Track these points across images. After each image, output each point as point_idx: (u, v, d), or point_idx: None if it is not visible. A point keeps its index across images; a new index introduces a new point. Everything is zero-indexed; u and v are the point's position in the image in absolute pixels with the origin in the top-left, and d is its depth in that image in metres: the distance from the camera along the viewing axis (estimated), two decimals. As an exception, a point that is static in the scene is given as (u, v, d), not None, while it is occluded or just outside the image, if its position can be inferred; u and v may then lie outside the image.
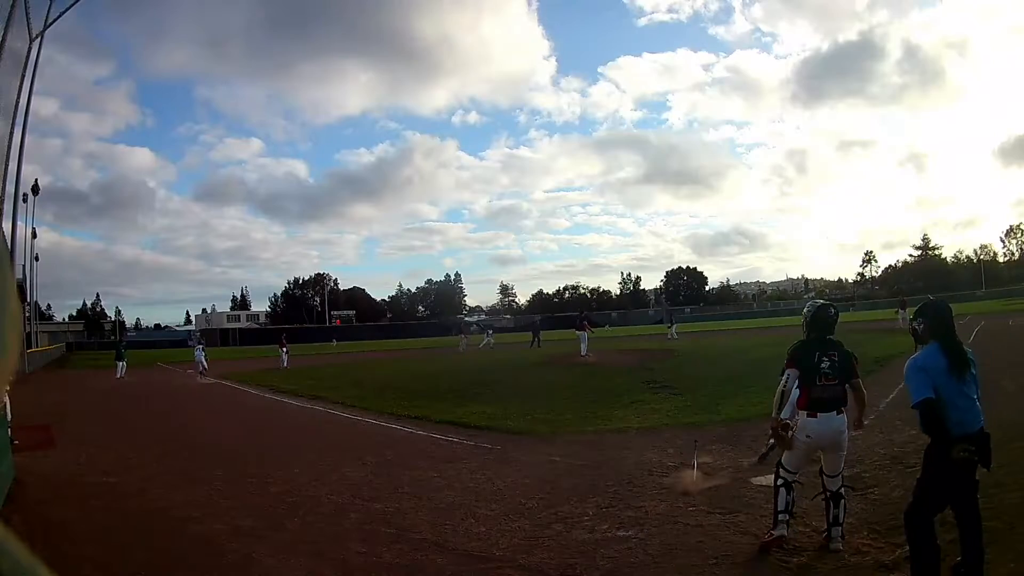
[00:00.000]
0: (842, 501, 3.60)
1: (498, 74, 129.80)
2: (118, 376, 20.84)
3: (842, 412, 3.61)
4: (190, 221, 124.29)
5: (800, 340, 3.84)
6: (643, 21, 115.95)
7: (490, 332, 35.59)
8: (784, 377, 3.68)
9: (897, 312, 24.57)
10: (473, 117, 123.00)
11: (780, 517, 3.66)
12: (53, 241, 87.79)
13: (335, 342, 51.01)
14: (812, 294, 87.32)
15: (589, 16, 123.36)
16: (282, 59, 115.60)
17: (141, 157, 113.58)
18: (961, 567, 3.03)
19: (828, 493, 3.61)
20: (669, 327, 32.31)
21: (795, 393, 3.68)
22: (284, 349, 23.21)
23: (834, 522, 3.58)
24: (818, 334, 3.76)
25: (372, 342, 52.95)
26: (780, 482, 3.70)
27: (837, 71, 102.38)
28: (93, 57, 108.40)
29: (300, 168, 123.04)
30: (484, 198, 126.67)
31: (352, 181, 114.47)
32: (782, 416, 3.68)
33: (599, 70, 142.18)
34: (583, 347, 19.23)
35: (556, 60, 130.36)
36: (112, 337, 71.55)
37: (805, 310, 3.96)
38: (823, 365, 3.59)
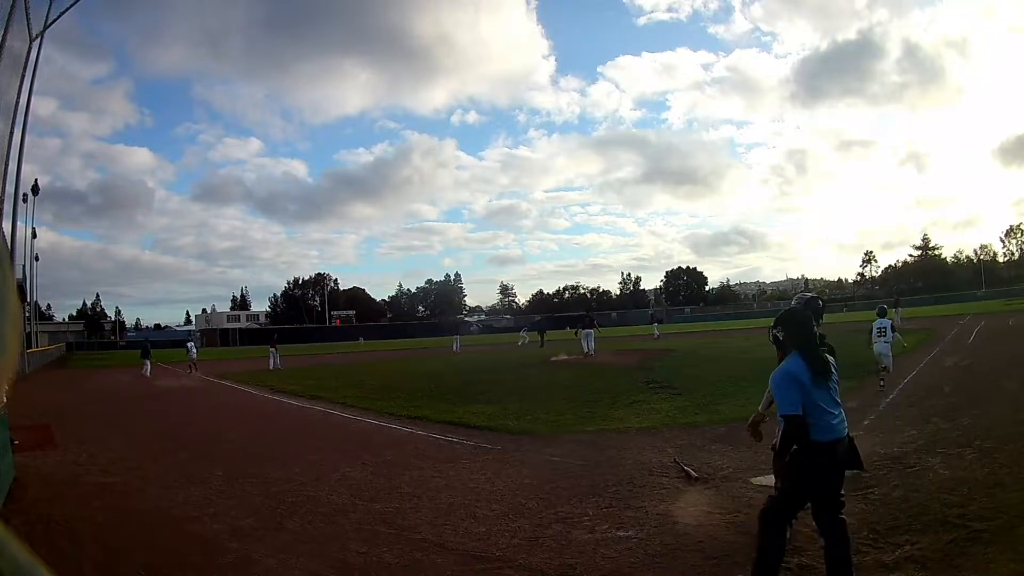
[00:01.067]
0: None
1: (497, 73, 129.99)
2: (144, 373, 21.50)
3: None
4: (189, 221, 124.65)
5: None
6: (642, 20, 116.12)
7: (525, 330, 36.29)
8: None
9: (893, 311, 24.86)
10: (472, 117, 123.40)
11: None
12: (52, 241, 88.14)
13: (362, 340, 51.48)
14: (812, 294, 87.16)
15: (588, 15, 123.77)
16: (280, 58, 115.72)
17: (140, 157, 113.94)
18: None
19: None
20: (654, 326, 33.51)
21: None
22: (274, 350, 23.10)
23: None
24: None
25: (372, 342, 53.07)
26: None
27: (837, 70, 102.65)
28: (91, 56, 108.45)
29: (299, 168, 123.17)
30: (483, 198, 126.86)
31: (351, 181, 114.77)
32: (760, 409, 3.83)
33: (598, 69, 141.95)
34: (591, 345, 19.22)
35: (555, 59, 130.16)
36: (112, 337, 71.69)
37: (794, 303, 4.08)
38: None
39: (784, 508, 3.07)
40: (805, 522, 3.94)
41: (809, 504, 3.05)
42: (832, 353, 3.79)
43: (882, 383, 9.43)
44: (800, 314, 3.30)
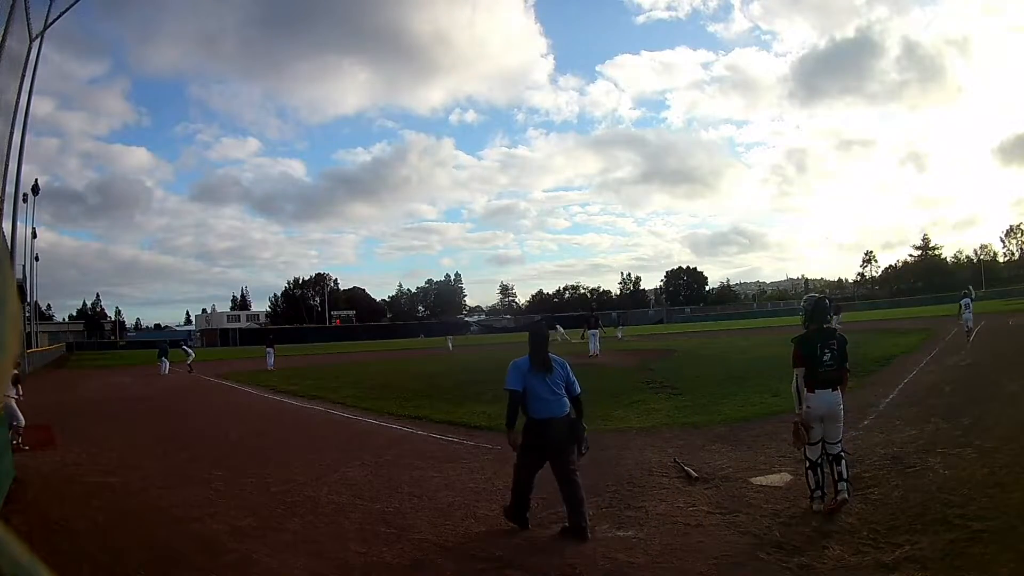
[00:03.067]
0: (843, 460, 4.19)
1: (495, 72, 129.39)
2: (163, 373, 21.97)
3: (837, 389, 4.27)
4: (188, 221, 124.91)
5: (802, 334, 4.42)
6: (641, 19, 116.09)
7: (620, 326, 33.62)
8: (795, 376, 4.36)
9: (831, 317, 25.73)
10: (471, 116, 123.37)
11: (815, 495, 4.21)
12: (51, 241, 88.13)
13: (423, 336, 52.49)
14: (818, 295, 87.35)
15: (587, 13, 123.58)
16: (277, 57, 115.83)
17: (138, 156, 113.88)
18: (568, 528, 4.00)
19: (831, 456, 4.21)
20: (616, 329, 33.11)
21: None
22: (271, 349, 23.00)
23: (839, 478, 4.14)
24: (817, 324, 4.43)
25: (372, 342, 53.08)
26: (807, 464, 4.29)
27: (836, 68, 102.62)
28: (87, 55, 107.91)
29: (297, 168, 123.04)
30: (482, 197, 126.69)
31: (350, 181, 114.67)
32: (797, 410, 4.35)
33: (597, 68, 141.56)
34: (595, 346, 19.29)
35: (554, 58, 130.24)
36: (112, 337, 71.71)
37: (803, 303, 4.63)
38: (825, 358, 4.23)
39: (521, 463, 4.16)
40: (805, 521, 3.96)
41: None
42: (844, 343, 4.36)
43: (969, 340, 15.06)
44: (535, 328, 4.44)
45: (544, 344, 4.28)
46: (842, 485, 4.10)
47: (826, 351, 4.21)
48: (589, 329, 19.79)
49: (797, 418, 4.30)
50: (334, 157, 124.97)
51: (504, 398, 4.26)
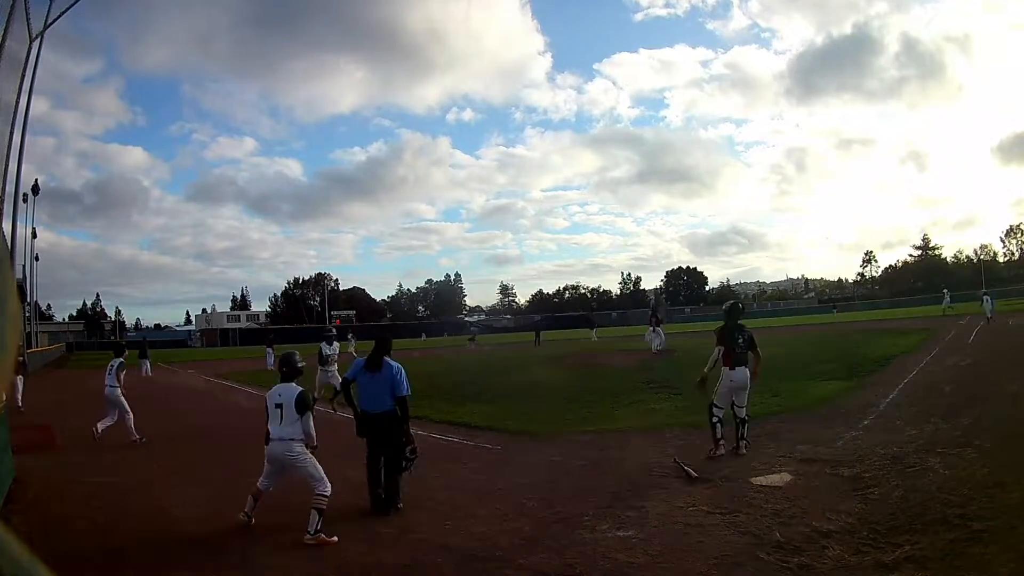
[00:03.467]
0: (746, 424, 5.92)
1: (492, 70, 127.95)
2: (144, 375, 20.97)
3: (746, 367, 5.95)
4: (185, 221, 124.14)
5: (723, 325, 6.17)
6: (639, 16, 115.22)
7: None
8: (716, 351, 6.01)
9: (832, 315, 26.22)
10: (468, 114, 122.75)
11: (720, 443, 5.82)
12: (50, 241, 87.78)
13: (424, 336, 53.45)
14: (812, 294, 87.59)
15: (584, 11, 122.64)
16: (272, 56, 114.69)
17: (134, 156, 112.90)
18: (382, 493, 4.78)
19: (738, 420, 5.90)
20: (591, 331, 33.12)
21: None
22: (271, 349, 22.98)
23: (741, 436, 5.88)
24: (733, 321, 6.17)
25: (372, 342, 53.10)
26: (715, 419, 5.88)
27: (835, 66, 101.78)
28: (81, 54, 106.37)
29: (294, 167, 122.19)
30: (480, 197, 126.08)
31: (347, 180, 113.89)
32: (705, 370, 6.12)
33: (595, 66, 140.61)
34: (660, 342, 19.33)
35: (551, 56, 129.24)
36: (112, 337, 71.75)
37: (725, 307, 6.71)
38: (739, 342, 6.00)
39: (368, 452, 4.88)
40: (805, 521, 3.96)
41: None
42: (752, 336, 6.07)
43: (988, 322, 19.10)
44: (383, 336, 5.21)
45: (382, 350, 4.99)
46: (743, 443, 5.84)
47: (739, 337, 5.99)
48: (591, 330, 19.86)
49: (703, 375, 6.10)
50: (331, 156, 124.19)
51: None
